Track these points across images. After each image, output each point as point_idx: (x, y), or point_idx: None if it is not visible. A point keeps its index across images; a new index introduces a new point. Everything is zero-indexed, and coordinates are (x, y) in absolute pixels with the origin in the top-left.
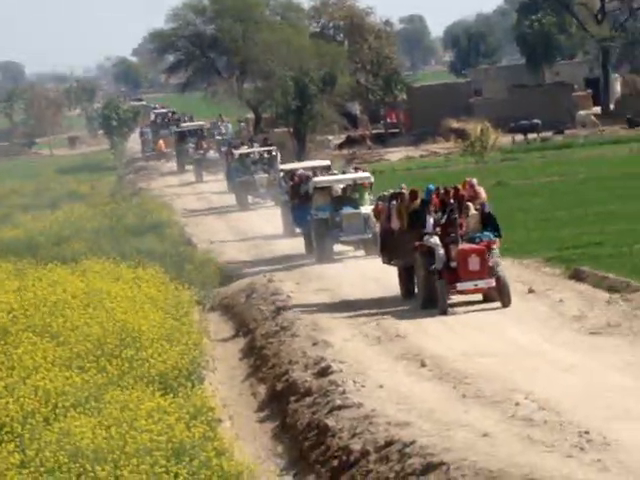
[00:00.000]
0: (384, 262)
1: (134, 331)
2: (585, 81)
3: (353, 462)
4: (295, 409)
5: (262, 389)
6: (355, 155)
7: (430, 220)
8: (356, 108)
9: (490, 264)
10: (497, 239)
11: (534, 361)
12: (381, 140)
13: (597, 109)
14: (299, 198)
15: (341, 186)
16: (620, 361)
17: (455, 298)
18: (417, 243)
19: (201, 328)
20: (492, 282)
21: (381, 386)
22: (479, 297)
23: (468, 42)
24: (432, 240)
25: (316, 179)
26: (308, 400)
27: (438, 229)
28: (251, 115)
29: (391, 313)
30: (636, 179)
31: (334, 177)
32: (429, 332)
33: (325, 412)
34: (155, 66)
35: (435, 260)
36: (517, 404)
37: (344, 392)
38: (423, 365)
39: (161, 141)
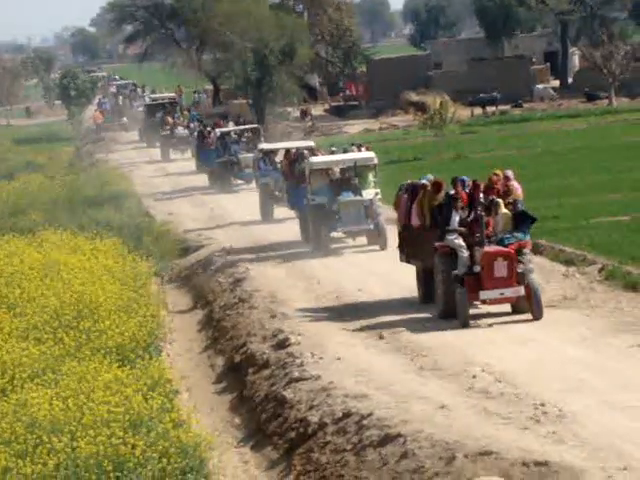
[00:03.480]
0: (402, 261)
1: (91, 302)
2: (544, 54)
3: (311, 434)
4: (253, 381)
5: (220, 361)
6: (314, 127)
7: (456, 218)
8: (316, 80)
9: (519, 270)
10: (529, 240)
11: (491, 334)
12: (340, 112)
13: (555, 82)
14: (295, 179)
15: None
16: (576, 334)
17: (480, 308)
18: (437, 244)
19: (159, 300)
20: (521, 291)
21: (339, 358)
22: (507, 307)
23: (428, 15)
24: (455, 241)
25: (313, 159)
26: (266, 372)
27: (463, 229)
28: (210, 86)
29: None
30: (594, 153)
31: (333, 158)
32: (389, 305)
33: (283, 384)
34: (113, 37)
35: (457, 264)
36: (474, 377)
37: (302, 364)
38: (381, 338)
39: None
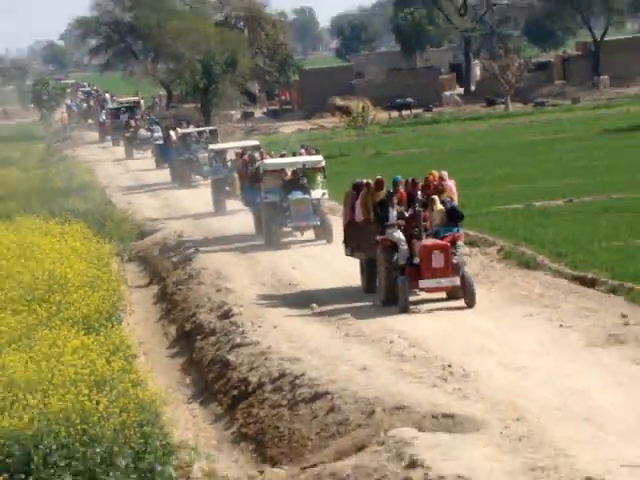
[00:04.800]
0: (346, 254)
1: (61, 279)
2: (450, 66)
3: (251, 392)
4: (201, 346)
5: (172, 329)
6: (254, 127)
7: (393, 213)
8: (255, 87)
9: (455, 261)
10: (461, 232)
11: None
12: (275, 115)
13: (460, 90)
14: (249, 179)
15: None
16: (478, 306)
17: (419, 296)
18: (379, 237)
19: (120, 276)
20: (457, 280)
21: (275, 327)
22: (442, 295)
23: (351, 31)
24: (395, 234)
25: (266, 162)
26: (212, 339)
27: (401, 223)
28: (163, 92)
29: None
30: (493, 150)
31: (284, 160)
32: (317, 281)
33: (227, 349)
34: (79, 49)
35: (397, 255)
36: (391, 342)
37: (243, 332)
38: (311, 309)
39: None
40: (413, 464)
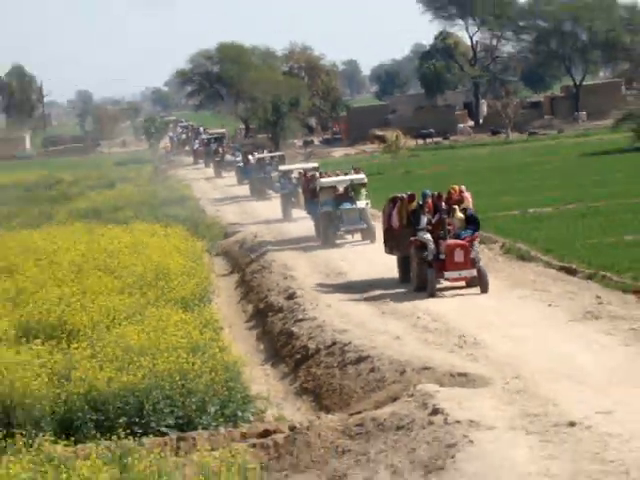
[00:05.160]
0: (386, 252)
1: (165, 269)
2: (463, 104)
3: (310, 356)
4: (272, 321)
5: (250, 308)
6: (312, 152)
7: (424, 219)
8: (313, 121)
9: (472, 257)
10: (477, 234)
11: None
12: (328, 142)
13: (471, 123)
14: (310, 193)
15: (343, 185)
16: None
17: (443, 284)
18: (412, 238)
19: (209, 267)
20: (474, 272)
21: (329, 306)
22: (462, 284)
23: (387, 78)
24: (425, 236)
25: (322, 180)
26: (280, 315)
27: (430, 227)
28: (243, 126)
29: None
30: (496, 170)
31: (335, 179)
32: (362, 272)
33: (291, 323)
34: (179, 93)
35: (427, 252)
36: (418, 317)
37: (304, 310)
38: (357, 292)
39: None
40: (435, 411)
